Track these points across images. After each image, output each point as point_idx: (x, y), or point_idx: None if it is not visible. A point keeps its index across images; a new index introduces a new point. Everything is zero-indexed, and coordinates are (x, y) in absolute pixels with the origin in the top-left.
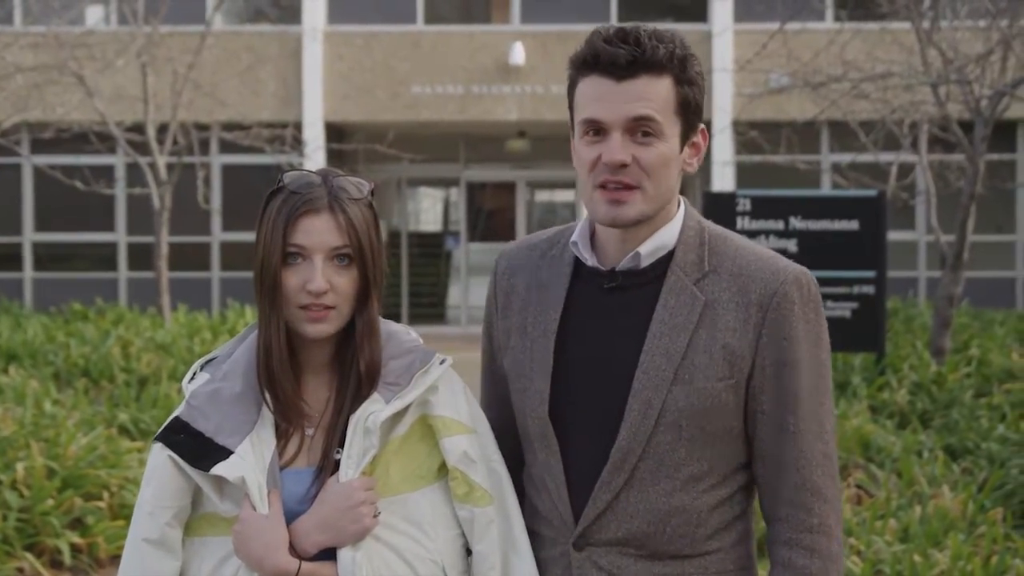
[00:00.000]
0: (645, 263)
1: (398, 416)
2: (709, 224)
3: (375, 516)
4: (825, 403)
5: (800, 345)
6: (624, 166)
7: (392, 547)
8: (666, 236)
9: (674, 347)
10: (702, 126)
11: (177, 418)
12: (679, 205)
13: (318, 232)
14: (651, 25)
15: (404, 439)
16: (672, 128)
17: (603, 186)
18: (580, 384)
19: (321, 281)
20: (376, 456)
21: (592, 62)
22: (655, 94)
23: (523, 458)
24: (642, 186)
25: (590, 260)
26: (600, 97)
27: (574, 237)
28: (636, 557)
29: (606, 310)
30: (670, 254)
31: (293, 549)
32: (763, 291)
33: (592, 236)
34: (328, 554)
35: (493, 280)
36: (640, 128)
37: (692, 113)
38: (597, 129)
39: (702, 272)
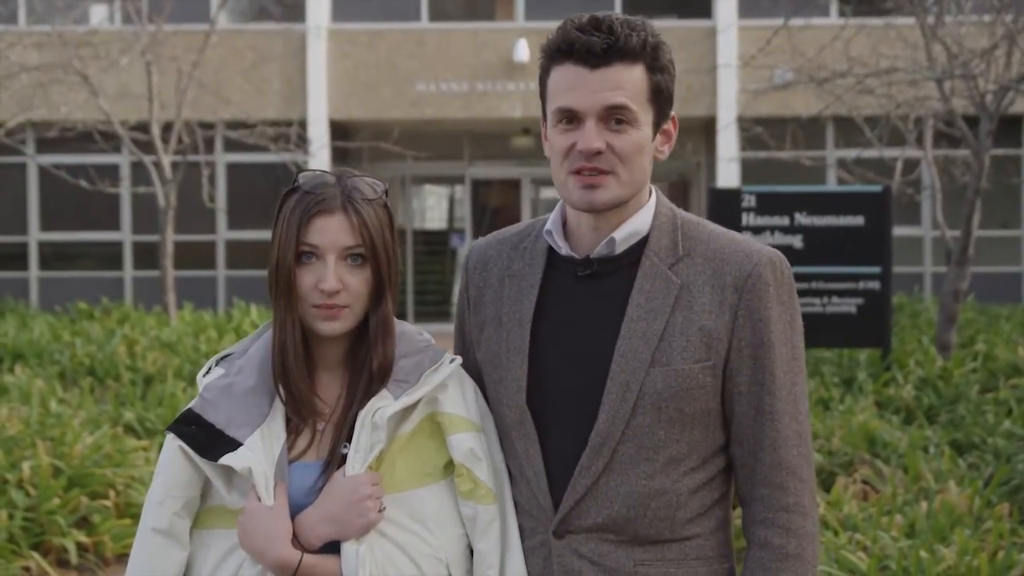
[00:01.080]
0: (620, 249)
1: (406, 412)
2: (680, 211)
3: (380, 511)
4: (799, 384)
5: (775, 326)
6: (599, 153)
7: (397, 543)
8: (639, 222)
9: (651, 330)
10: (673, 114)
11: (190, 410)
12: (650, 193)
13: (331, 231)
14: (620, 14)
15: (411, 436)
16: (645, 116)
17: (577, 172)
18: (556, 371)
19: (333, 280)
20: (383, 452)
21: (567, 50)
22: (628, 82)
23: None
24: (616, 172)
25: (564, 248)
26: (574, 85)
27: (548, 226)
28: (617, 543)
29: (581, 297)
30: (643, 240)
31: (298, 541)
32: (738, 273)
33: (564, 225)
34: (332, 548)
35: (464, 276)
36: (614, 116)
37: (664, 101)
38: (571, 117)
39: (676, 257)
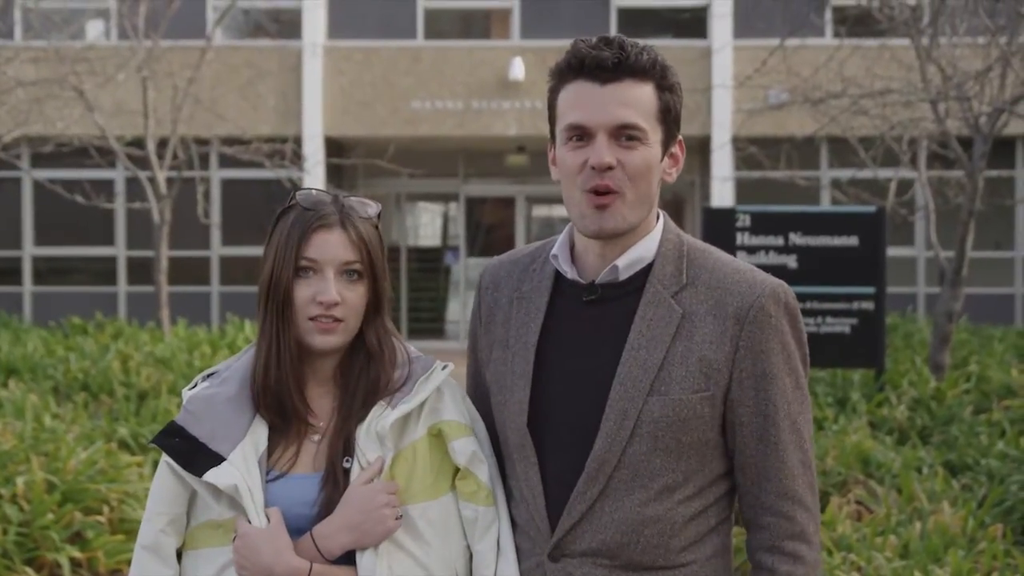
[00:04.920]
0: (623, 276)
1: (407, 422)
2: (688, 237)
3: (398, 519)
4: (803, 412)
5: (777, 357)
6: (610, 168)
7: (413, 556)
8: (644, 249)
9: (651, 359)
10: (680, 138)
11: (173, 422)
12: (658, 218)
13: (331, 246)
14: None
15: (422, 449)
16: (654, 134)
17: (589, 192)
18: (558, 395)
19: (334, 293)
20: (396, 463)
21: (577, 66)
22: (637, 99)
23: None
24: (623, 192)
25: (570, 273)
26: (584, 101)
27: (554, 251)
28: (610, 568)
29: (585, 322)
30: (649, 267)
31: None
32: (740, 304)
33: (572, 249)
34: (343, 559)
35: (478, 295)
36: (624, 133)
37: (672, 121)
38: (581, 134)
39: (680, 285)
